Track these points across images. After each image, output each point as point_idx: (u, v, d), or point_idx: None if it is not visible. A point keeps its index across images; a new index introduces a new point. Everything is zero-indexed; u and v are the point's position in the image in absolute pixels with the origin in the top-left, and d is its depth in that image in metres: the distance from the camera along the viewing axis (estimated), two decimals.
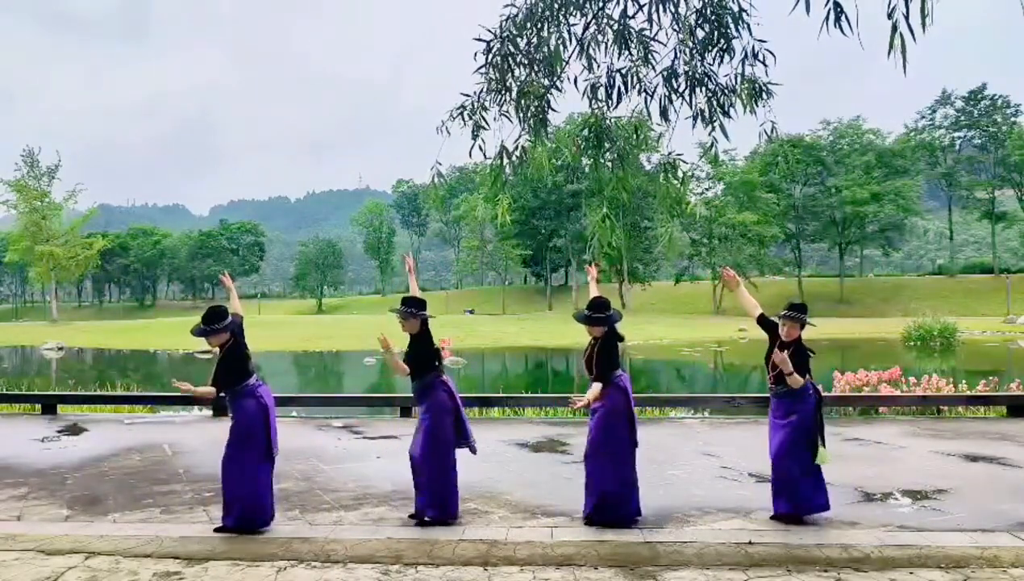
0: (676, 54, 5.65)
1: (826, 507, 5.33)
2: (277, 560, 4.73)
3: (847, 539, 4.87)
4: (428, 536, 5.06)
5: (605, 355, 5.31)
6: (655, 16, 5.49)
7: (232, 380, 5.21)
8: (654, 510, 5.51)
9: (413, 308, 5.40)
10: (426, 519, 5.31)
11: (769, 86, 5.50)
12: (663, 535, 5.01)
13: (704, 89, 5.67)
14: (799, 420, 5.25)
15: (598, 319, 5.32)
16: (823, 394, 6.05)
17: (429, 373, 5.38)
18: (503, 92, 5.85)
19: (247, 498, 5.17)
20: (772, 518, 5.35)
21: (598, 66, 5.76)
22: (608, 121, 6.22)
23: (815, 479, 5.29)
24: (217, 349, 5.31)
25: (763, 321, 5.54)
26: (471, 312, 75.56)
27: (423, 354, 5.40)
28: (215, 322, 5.18)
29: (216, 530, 5.23)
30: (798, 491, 5.24)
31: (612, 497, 5.23)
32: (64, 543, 5.02)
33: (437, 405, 5.33)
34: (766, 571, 4.44)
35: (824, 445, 5.26)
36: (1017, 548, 4.66)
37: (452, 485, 5.37)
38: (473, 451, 5.50)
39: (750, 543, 4.80)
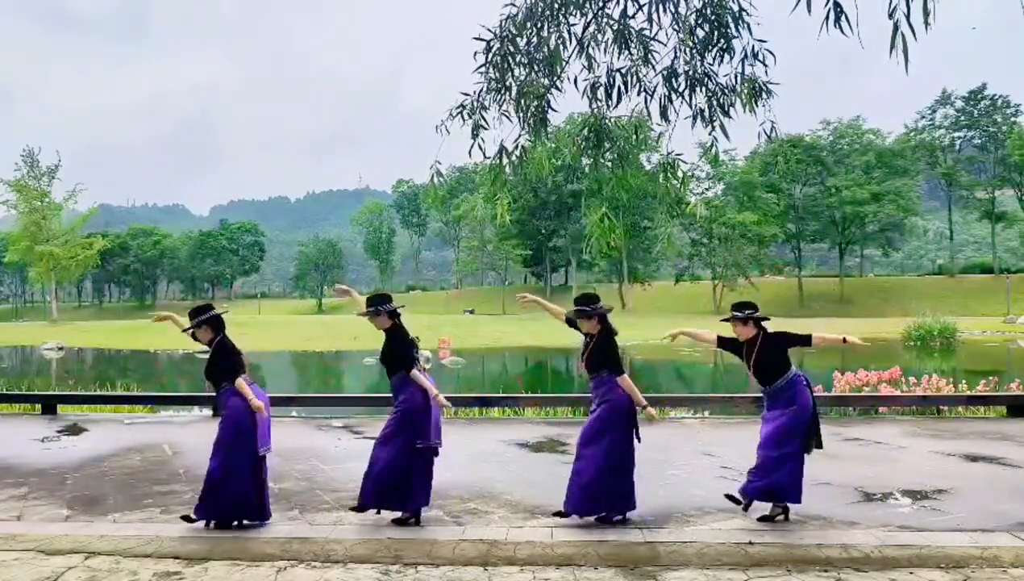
0: (676, 54, 5.66)
1: (796, 500, 5.28)
2: (277, 560, 4.72)
3: (847, 539, 4.87)
4: (428, 536, 5.06)
5: (603, 351, 5.29)
6: (655, 16, 5.50)
7: (222, 377, 5.28)
8: (654, 510, 5.50)
9: (376, 305, 5.41)
10: (395, 518, 5.28)
11: (769, 86, 5.51)
12: (663, 535, 5.00)
13: (704, 89, 5.68)
14: (799, 409, 5.23)
15: (583, 312, 5.30)
16: (823, 394, 6.07)
17: (405, 370, 5.36)
18: (503, 92, 5.86)
19: (234, 494, 5.18)
20: (741, 492, 5.33)
21: (598, 66, 5.77)
22: (608, 121, 6.22)
23: (796, 470, 5.23)
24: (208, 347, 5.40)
25: (721, 342, 5.63)
26: (471, 312, 75.55)
27: (397, 349, 5.38)
28: (193, 316, 5.36)
29: (203, 525, 5.23)
30: (777, 478, 5.19)
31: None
32: (64, 543, 5.02)
33: (410, 401, 5.31)
34: (766, 571, 4.43)
35: (814, 436, 5.23)
36: (1017, 548, 4.65)
37: (415, 479, 5.30)
38: (435, 452, 5.42)
39: (750, 543, 4.80)
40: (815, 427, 5.29)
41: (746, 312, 5.42)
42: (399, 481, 5.27)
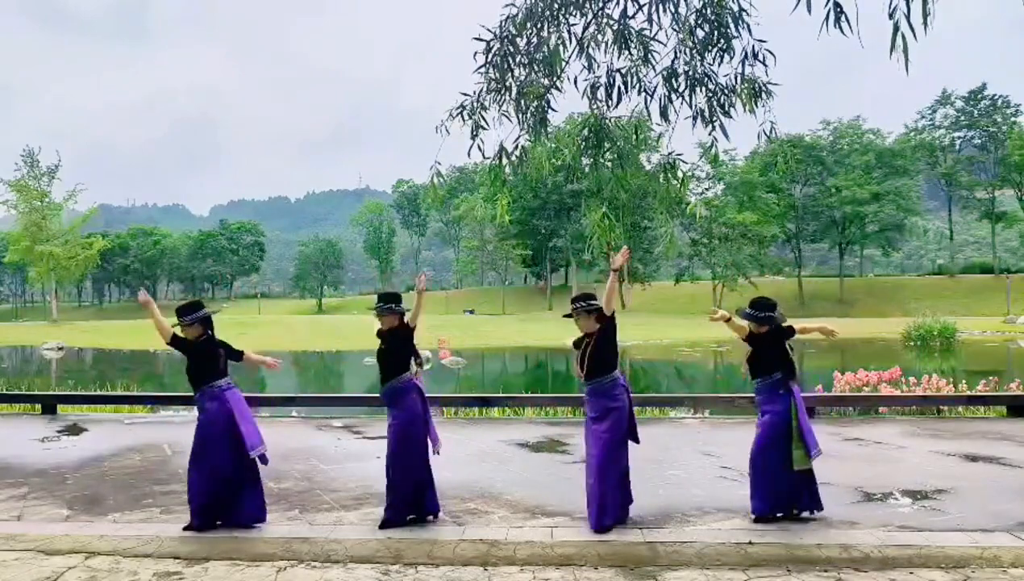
0: (676, 54, 5.67)
1: (816, 507, 5.26)
2: (277, 560, 4.73)
3: (847, 539, 4.87)
4: (428, 536, 5.06)
5: (602, 351, 5.20)
6: (655, 16, 5.51)
7: (198, 377, 5.27)
8: (654, 510, 5.50)
9: (387, 303, 5.37)
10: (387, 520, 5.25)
11: (769, 86, 5.52)
12: (663, 535, 5.00)
13: (704, 89, 5.69)
14: (771, 419, 5.21)
15: (581, 308, 5.20)
16: (822, 394, 6.04)
17: (404, 374, 5.34)
18: (503, 92, 5.86)
19: (211, 500, 5.18)
20: (755, 521, 5.23)
21: (598, 66, 5.77)
22: (608, 121, 6.23)
23: (797, 477, 5.18)
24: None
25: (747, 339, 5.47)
26: (471, 312, 75.53)
27: (400, 353, 5.36)
28: (181, 314, 5.35)
29: (185, 528, 5.20)
30: (775, 490, 5.18)
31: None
32: (64, 543, 5.02)
33: (409, 409, 5.30)
34: (766, 571, 4.43)
35: (802, 448, 5.11)
36: (1017, 548, 4.65)
37: (423, 486, 5.32)
38: (435, 452, 5.46)
39: (750, 543, 4.80)
40: (784, 441, 5.12)
41: (765, 314, 5.28)
42: (415, 488, 5.34)
